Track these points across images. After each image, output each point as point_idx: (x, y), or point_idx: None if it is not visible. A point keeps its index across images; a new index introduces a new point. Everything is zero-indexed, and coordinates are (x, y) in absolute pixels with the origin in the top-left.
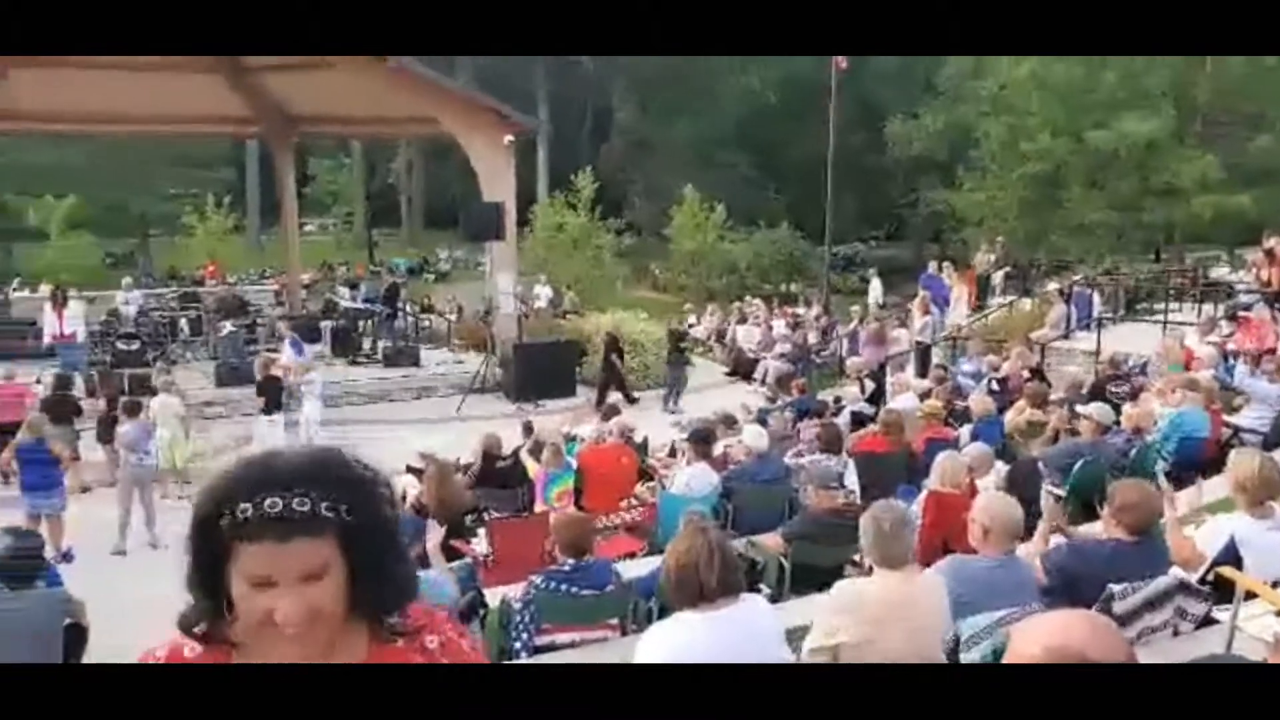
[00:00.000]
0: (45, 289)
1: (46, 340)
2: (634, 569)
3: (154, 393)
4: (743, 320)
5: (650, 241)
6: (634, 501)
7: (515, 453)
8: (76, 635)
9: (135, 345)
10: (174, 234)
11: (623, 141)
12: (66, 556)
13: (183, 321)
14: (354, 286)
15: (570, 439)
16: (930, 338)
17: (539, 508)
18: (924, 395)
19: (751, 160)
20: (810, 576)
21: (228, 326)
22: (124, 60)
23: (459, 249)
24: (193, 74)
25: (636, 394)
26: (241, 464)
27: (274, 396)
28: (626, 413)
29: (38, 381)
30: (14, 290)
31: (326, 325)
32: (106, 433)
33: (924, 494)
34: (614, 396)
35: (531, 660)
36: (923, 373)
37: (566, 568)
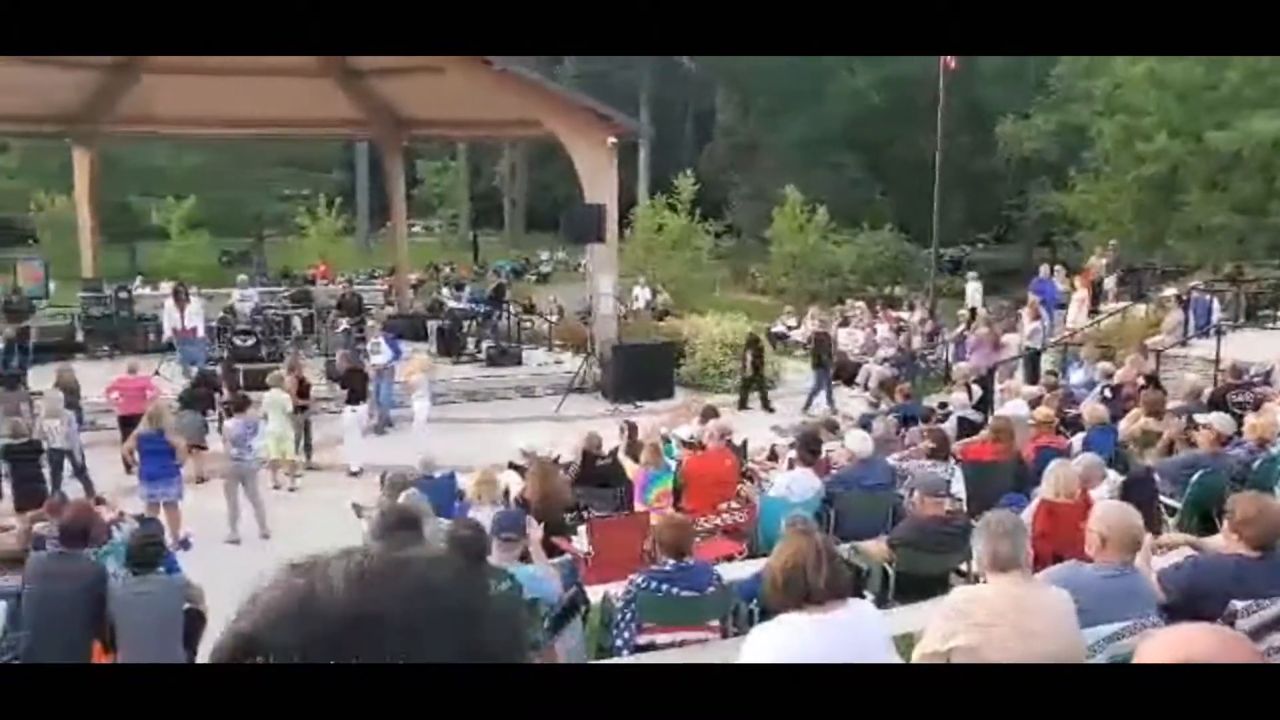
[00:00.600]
0: (166, 286)
1: (167, 335)
2: (734, 571)
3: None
4: (845, 323)
5: (750, 243)
6: (733, 504)
7: (614, 452)
8: (196, 621)
9: (251, 341)
10: (287, 234)
11: (725, 143)
12: (184, 544)
13: (295, 319)
14: (459, 287)
15: (668, 440)
16: (1041, 343)
17: (638, 508)
18: (1034, 402)
19: (857, 161)
20: (914, 584)
21: (344, 324)
22: (244, 65)
23: (560, 251)
24: (308, 79)
25: (733, 398)
26: (275, 612)
27: (358, 388)
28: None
29: (156, 373)
30: (136, 288)
31: (432, 325)
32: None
33: (1035, 503)
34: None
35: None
36: (1032, 379)
37: (668, 568)
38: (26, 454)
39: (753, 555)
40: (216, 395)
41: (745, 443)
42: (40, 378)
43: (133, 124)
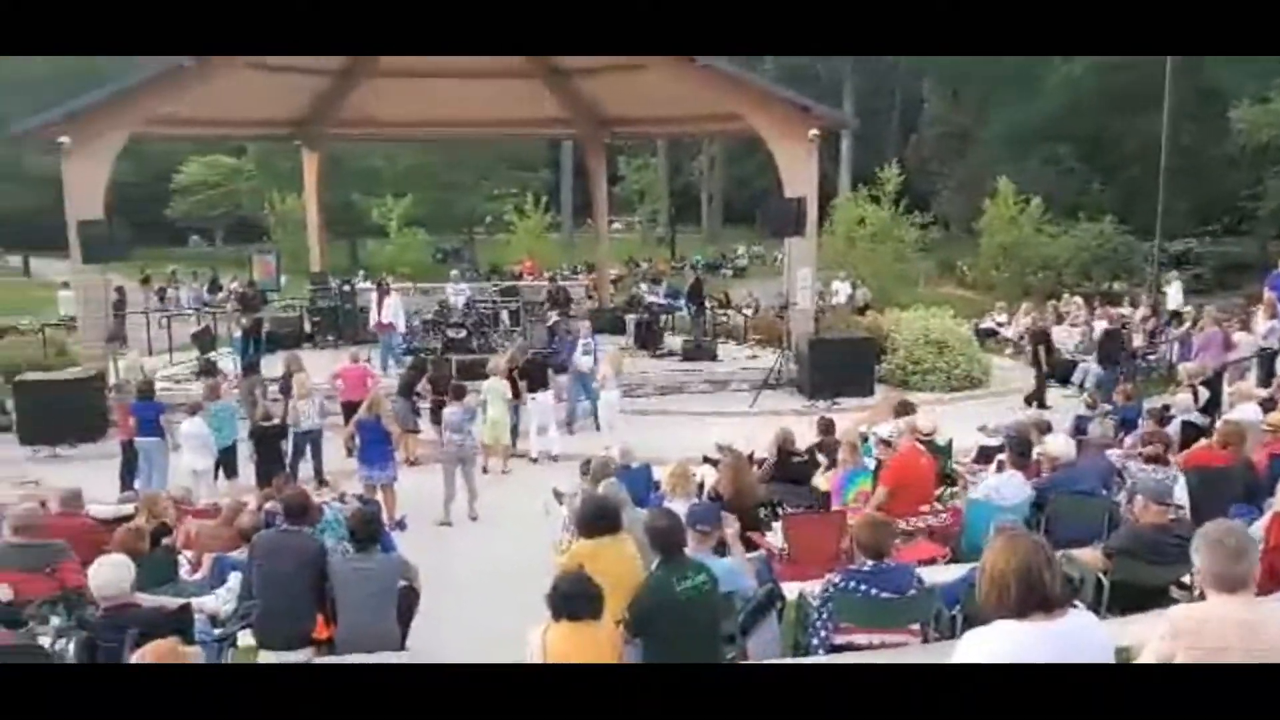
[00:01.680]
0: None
1: (371, 327)
2: (937, 575)
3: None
4: (1059, 320)
5: (958, 236)
6: (937, 506)
7: (810, 449)
8: (410, 597)
9: (462, 334)
10: (496, 231)
11: (933, 133)
12: (400, 525)
13: (503, 313)
14: (656, 281)
15: (865, 438)
16: (1278, 343)
17: (834, 506)
18: (1267, 405)
19: (1073, 151)
20: (1131, 595)
21: (553, 317)
22: (458, 67)
23: (757, 245)
24: (517, 80)
25: (944, 396)
26: None
27: (538, 378)
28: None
29: (367, 361)
30: (358, 282)
31: (630, 319)
32: (436, 414)
33: (1268, 515)
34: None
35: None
36: (1266, 381)
37: (866, 568)
38: (272, 436)
39: (956, 560)
40: (425, 384)
41: (950, 443)
42: (272, 366)
43: (355, 126)
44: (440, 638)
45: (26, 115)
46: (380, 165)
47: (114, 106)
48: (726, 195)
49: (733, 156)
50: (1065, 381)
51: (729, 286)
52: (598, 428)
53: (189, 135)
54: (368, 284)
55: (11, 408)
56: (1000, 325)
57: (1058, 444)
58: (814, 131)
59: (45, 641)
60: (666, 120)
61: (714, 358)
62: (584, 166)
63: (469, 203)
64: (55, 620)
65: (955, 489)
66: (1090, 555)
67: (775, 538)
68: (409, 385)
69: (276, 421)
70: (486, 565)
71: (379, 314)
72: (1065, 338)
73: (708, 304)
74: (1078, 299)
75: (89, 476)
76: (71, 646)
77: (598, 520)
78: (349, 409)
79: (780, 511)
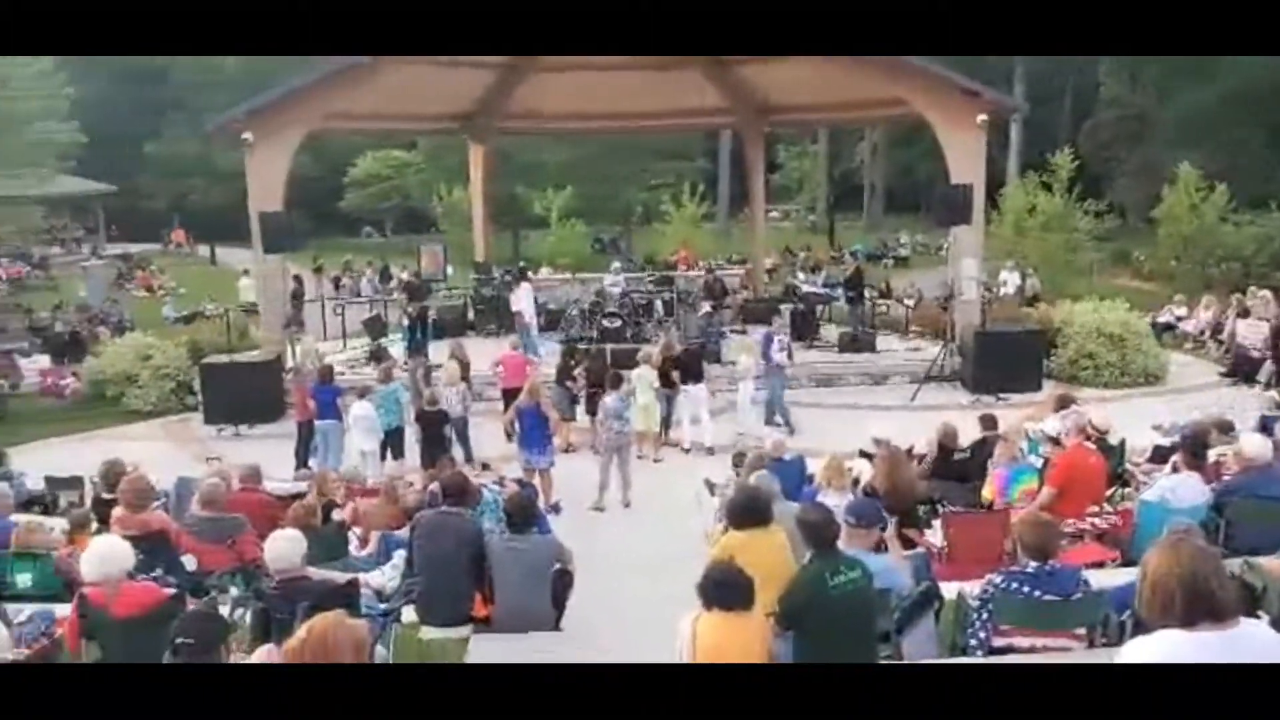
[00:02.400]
0: (546, 271)
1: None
2: (1105, 579)
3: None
4: (1245, 314)
5: (1135, 225)
6: (1107, 508)
7: (973, 446)
8: (564, 580)
9: (617, 323)
10: (652, 221)
11: (1109, 116)
12: (555, 509)
13: (658, 303)
14: (815, 271)
15: (1030, 436)
16: None
17: (998, 504)
18: None
19: (1262, 134)
20: None
21: (706, 307)
22: (620, 60)
23: (920, 234)
24: (676, 71)
25: (1110, 393)
26: None
27: (695, 369)
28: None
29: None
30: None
31: (785, 309)
32: (591, 403)
33: None
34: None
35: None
36: None
37: (1029, 569)
38: (435, 420)
39: (1127, 563)
40: (578, 372)
41: (1123, 442)
42: (437, 353)
43: (520, 119)
44: (593, 621)
45: (218, 113)
46: (543, 158)
47: (293, 103)
48: (889, 182)
49: (896, 143)
50: (1250, 380)
51: (890, 276)
52: (789, 429)
53: (363, 130)
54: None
55: (198, 389)
56: (1179, 319)
57: (1254, 444)
58: (982, 116)
59: (224, 610)
60: (828, 107)
61: (873, 349)
62: (742, 155)
63: (626, 193)
64: (234, 590)
65: (1127, 490)
66: (1275, 564)
67: (934, 536)
68: (562, 373)
69: (441, 406)
70: (638, 552)
71: (511, 304)
72: (1251, 333)
73: (867, 294)
74: (1265, 293)
75: (267, 455)
76: (248, 616)
77: (748, 512)
78: (509, 396)
79: (940, 509)
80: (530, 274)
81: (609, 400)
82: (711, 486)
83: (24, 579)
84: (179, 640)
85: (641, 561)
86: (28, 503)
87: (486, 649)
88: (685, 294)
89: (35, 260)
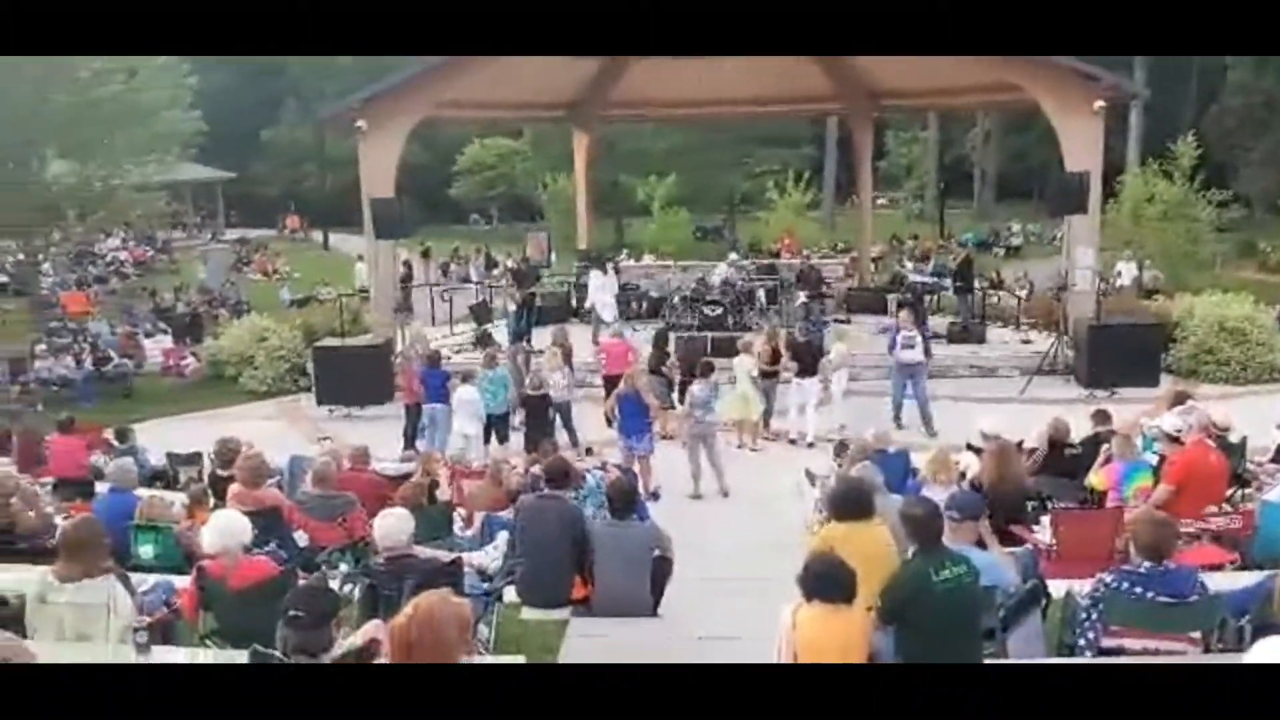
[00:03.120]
0: (648, 259)
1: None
2: (1223, 582)
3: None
4: None
5: (1261, 216)
6: (1227, 508)
7: (1084, 442)
8: (663, 566)
9: (718, 311)
10: (756, 209)
11: (1236, 103)
12: (655, 496)
13: (760, 291)
14: (924, 260)
15: (1144, 433)
16: None
17: (1110, 500)
18: None
19: None
20: None
21: (801, 297)
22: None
23: (1032, 222)
24: (784, 57)
25: (1232, 390)
26: None
27: (809, 362)
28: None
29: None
30: (622, 260)
31: (891, 299)
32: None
33: None
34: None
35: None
36: None
37: (1142, 569)
38: (539, 404)
39: (1245, 567)
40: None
41: (1244, 440)
42: (541, 339)
43: (624, 107)
44: (691, 608)
45: (332, 102)
46: (646, 145)
47: (405, 92)
48: (1001, 169)
49: (1009, 128)
50: None
51: (1001, 266)
52: (929, 430)
53: (471, 118)
54: (631, 261)
55: (311, 371)
56: None
57: None
58: (1100, 103)
59: (333, 585)
60: (939, 92)
61: (982, 340)
62: (850, 141)
63: (729, 181)
64: (343, 567)
65: (1247, 491)
66: None
67: (1043, 533)
68: (655, 361)
69: (545, 390)
70: (736, 540)
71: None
72: None
73: (977, 284)
74: None
75: (376, 436)
76: (356, 591)
77: (850, 503)
78: (610, 383)
79: (1049, 506)
80: (609, 263)
81: (695, 389)
82: (812, 477)
83: (147, 551)
84: (291, 613)
85: (739, 550)
86: (150, 478)
87: (585, 631)
88: (787, 283)
89: (159, 244)
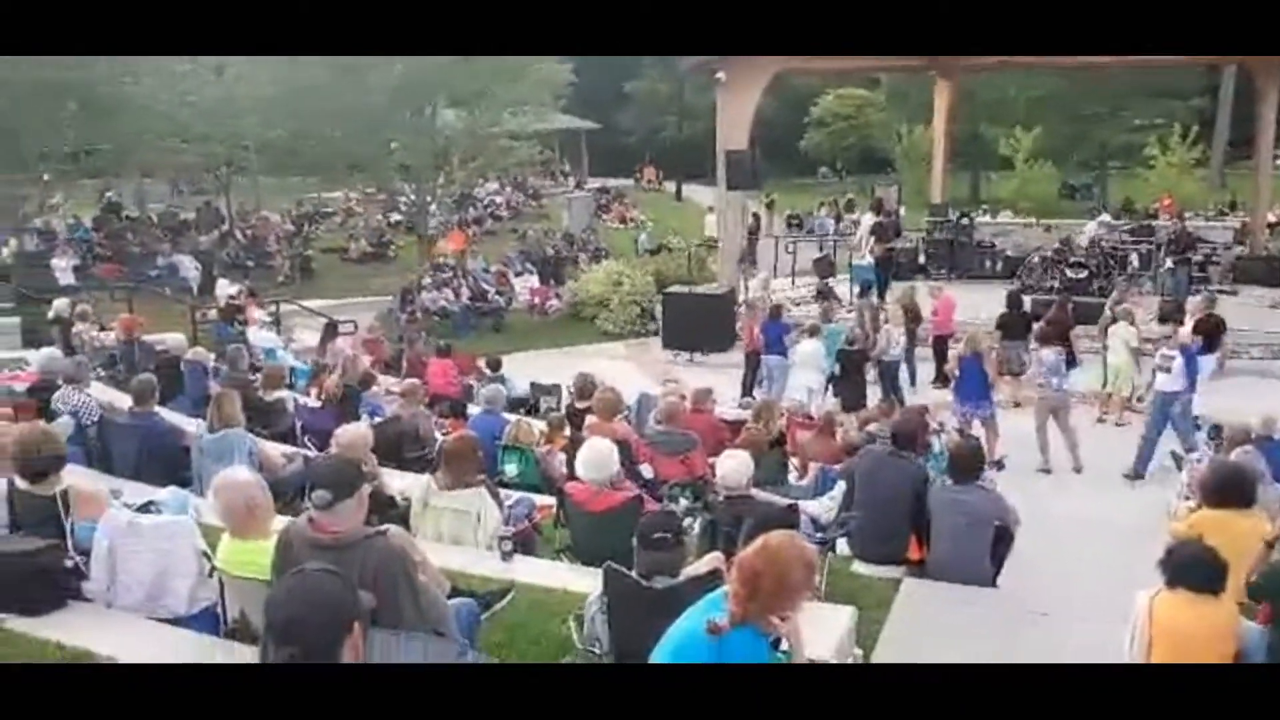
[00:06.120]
0: (1005, 216)
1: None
2: None
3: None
4: None
5: None
6: None
7: None
8: (1005, 536)
9: (1083, 274)
10: (1134, 166)
11: None
12: (999, 464)
13: (1133, 255)
14: None
15: None
16: None
17: None
18: None
19: None
20: None
21: (1169, 263)
22: None
23: None
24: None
25: None
26: None
27: (1215, 337)
28: None
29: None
30: (978, 216)
31: None
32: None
33: None
34: None
35: None
36: None
37: None
38: (855, 360)
39: None
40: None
41: None
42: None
43: (993, 54)
44: (1030, 584)
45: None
46: (1011, 95)
47: None
48: None
49: None
50: None
51: None
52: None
53: (830, 69)
54: (987, 218)
55: (659, 316)
56: None
57: None
58: None
59: None
60: None
61: None
62: (1249, 93)
63: (1103, 134)
64: (683, 502)
65: None
66: None
67: None
68: (1006, 324)
69: (859, 346)
70: (1086, 518)
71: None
72: None
73: None
74: None
75: (715, 381)
76: (696, 525)
77: (1227, 490)
78: (939, 343)
79: None
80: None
81: (1046, 354)
82: (1179, 459)
83: (511, 469)
84: (656, 535)
85: (1089, 529)
86: (514, 404)
87: (917, 592)
88: (1168, 245)
89: (530, 191)
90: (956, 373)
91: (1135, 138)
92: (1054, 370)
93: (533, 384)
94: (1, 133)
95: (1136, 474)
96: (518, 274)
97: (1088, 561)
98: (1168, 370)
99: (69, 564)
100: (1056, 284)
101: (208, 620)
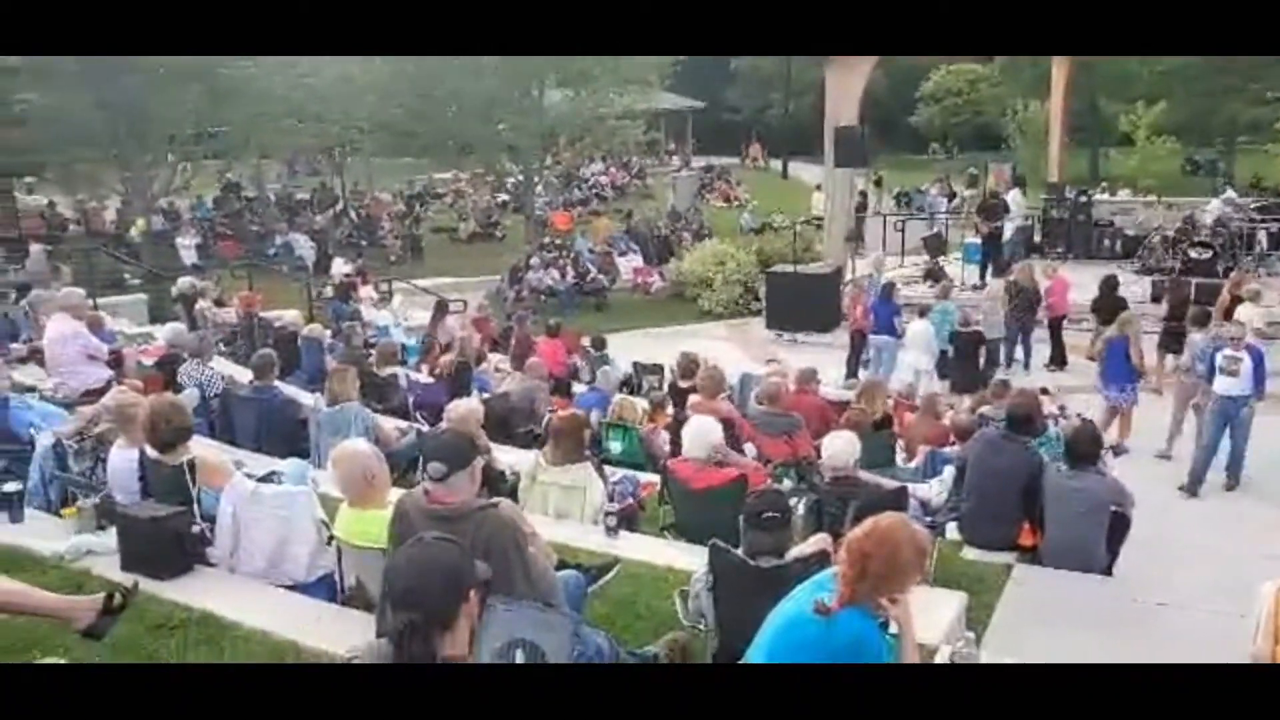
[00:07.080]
0: (1124, 194)
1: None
2: None
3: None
4: None
5: None
6: None
7: None
8: (1121, 523)
9: (1207, 255)
10: (1266, 141)
11: None
12: (1116, 451)
13: (1261, 234)
14: None
15: None
16: None
17: None
18: None
19: None
20: None
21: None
22: None
23: None
24: None
25: None
26: None
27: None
28: None
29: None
30: (1096, 194)
31: None
32: (1165, 341)
33: None
34: None
35: None
36: None
37: None
38: (969, 341)
39: None
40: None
41: None
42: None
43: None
44: (1146, 573)
45: None
46: (1134, 69)
47: None
48: None
49: None
50: None
51: None
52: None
53: None
54: (1106, 196)
55: (763, 295)
56: None
57: None
58: None
59: None
60: None
61: None
62: None
63: (1232, 108)
64: (787, 482)
65: None
66: None
67: None
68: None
69: (974, 328)
70: (1208, 509)
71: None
72: None
73: None
74: None
75: (819, 362)
76: (801, 506)
77: None
78: (1054, 324)
79: None
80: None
81: (1197, 337)
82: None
83: (615, 446)
84: (766, 515)
85: (1208, 520)
86: (618, 383)
87: (1028, 579)
88: None
89: (635, 170)
90: (1102, 356)
91: (1266, 112)
92: (1201, 355)
93: (635, 363)
94: (134, 116)
95: (1191, 492)
96: (622, 253)
97: (1205, 549)
98: (1234, 374)
99: (196, 530)
100: (1179, 264)
101: (325, 587)
